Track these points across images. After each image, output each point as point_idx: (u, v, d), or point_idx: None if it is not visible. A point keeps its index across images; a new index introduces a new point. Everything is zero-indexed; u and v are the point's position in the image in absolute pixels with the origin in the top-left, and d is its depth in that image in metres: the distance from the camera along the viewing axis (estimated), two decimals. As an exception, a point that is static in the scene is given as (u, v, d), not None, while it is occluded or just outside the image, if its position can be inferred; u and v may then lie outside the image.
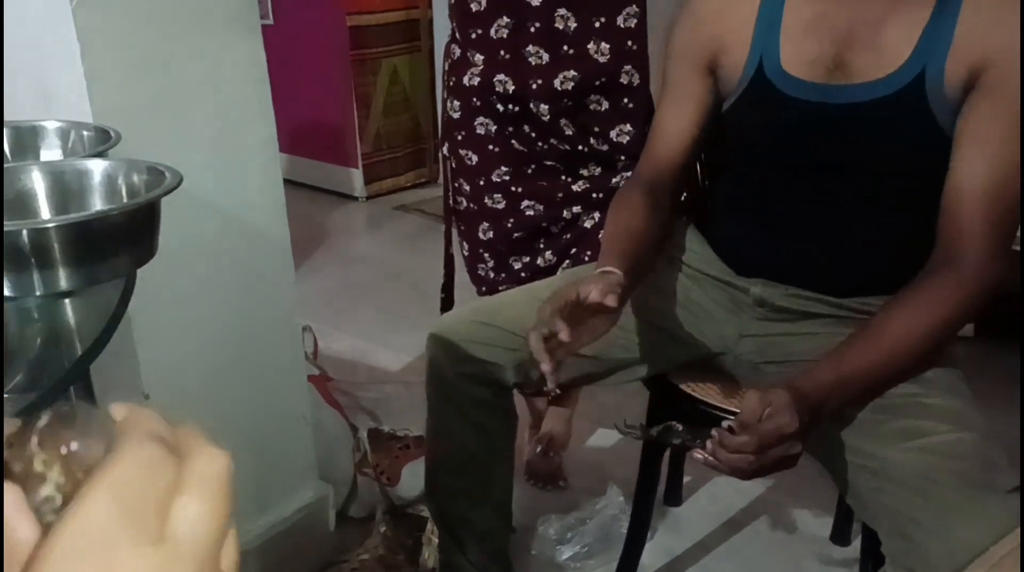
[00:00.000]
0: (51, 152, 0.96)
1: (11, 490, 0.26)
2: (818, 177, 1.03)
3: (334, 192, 3.62)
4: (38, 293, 0.72)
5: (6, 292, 0.71)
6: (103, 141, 0.92)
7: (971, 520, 0.82)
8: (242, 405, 1.29)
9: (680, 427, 0.94)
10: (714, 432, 0.88)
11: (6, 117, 1.11)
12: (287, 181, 1.35)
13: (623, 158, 1.49)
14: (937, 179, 0.96)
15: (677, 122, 1.10)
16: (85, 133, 0.96)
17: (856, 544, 1.48)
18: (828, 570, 1.49)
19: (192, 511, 0.26)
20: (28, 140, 0.96)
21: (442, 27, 3.26)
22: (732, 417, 0.90)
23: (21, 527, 0.26)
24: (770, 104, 1.03)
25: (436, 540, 1.36)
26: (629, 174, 1.50)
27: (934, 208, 0.97)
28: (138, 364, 1.14)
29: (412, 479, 1.58)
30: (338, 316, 2.46)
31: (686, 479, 1.67)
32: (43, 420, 0.27)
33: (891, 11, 0.96)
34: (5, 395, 0.63)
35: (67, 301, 0.75)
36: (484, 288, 1.62)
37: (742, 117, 1.07)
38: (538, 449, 1.76)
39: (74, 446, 0.27)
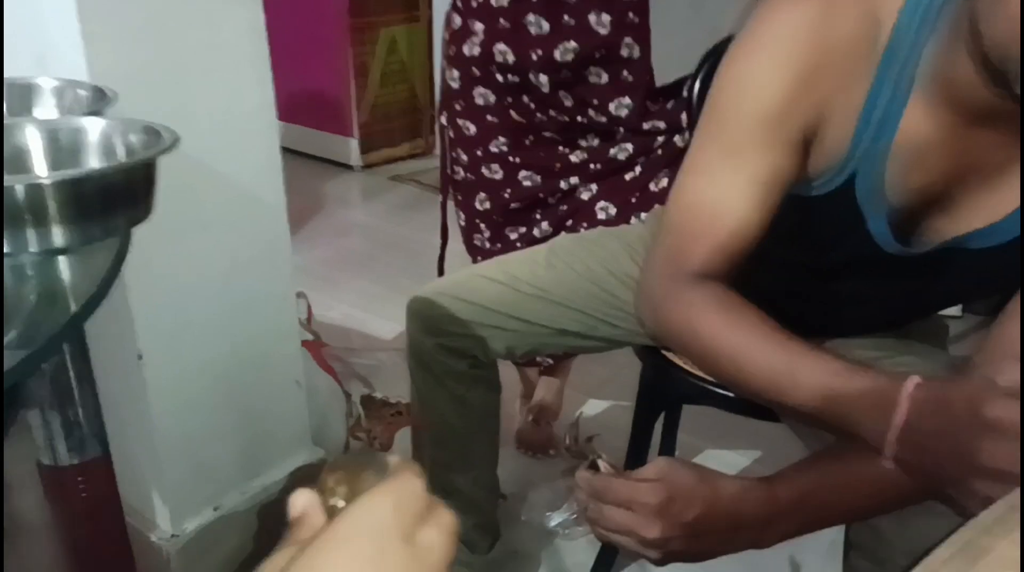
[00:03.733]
0: (46, 110, 0.95)
1: (311, 494, 0.38)
2: (857, 286, 0.93)
3: (330, 161, 3.61)
4: (32, 250, 0.72)
5: (1, 248, 0.72)
6: (99, 100, 0.92)
7: (932, 512, 0.82)
8: (236, 368, 1.30)
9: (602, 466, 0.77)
10: (579, 473, 0.75)
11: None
12: (282, 148, 1.34)
13: (621, 130, 1.49)
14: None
15: (748, 202, 0.79)
16: (81, 92, 0.95)
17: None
18: (817, 544, 1.51)
19: (436, 538, 0.36)
20: (23, 98, 0.95)
21: (441, -4, 3.22)
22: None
23: (316, 517, 0.37)
24: (846, 217, 0.83)
25: (427, 506, 1.37)
26: (627, 145, 1.49)
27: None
28: (133, 325, 1.15)
29: (404, 445, 1.59)
30: (332, 284, 2.46)
31: (676, 453, 1.69)
32: (342, 459, 0.40)
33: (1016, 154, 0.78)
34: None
35: (62, 259, 0.75)
36: (480, 258, 1.62)
37: (807, 209, 0.85)
38: (529, 418, 1.77)
39: (364, 479, 0.38)
